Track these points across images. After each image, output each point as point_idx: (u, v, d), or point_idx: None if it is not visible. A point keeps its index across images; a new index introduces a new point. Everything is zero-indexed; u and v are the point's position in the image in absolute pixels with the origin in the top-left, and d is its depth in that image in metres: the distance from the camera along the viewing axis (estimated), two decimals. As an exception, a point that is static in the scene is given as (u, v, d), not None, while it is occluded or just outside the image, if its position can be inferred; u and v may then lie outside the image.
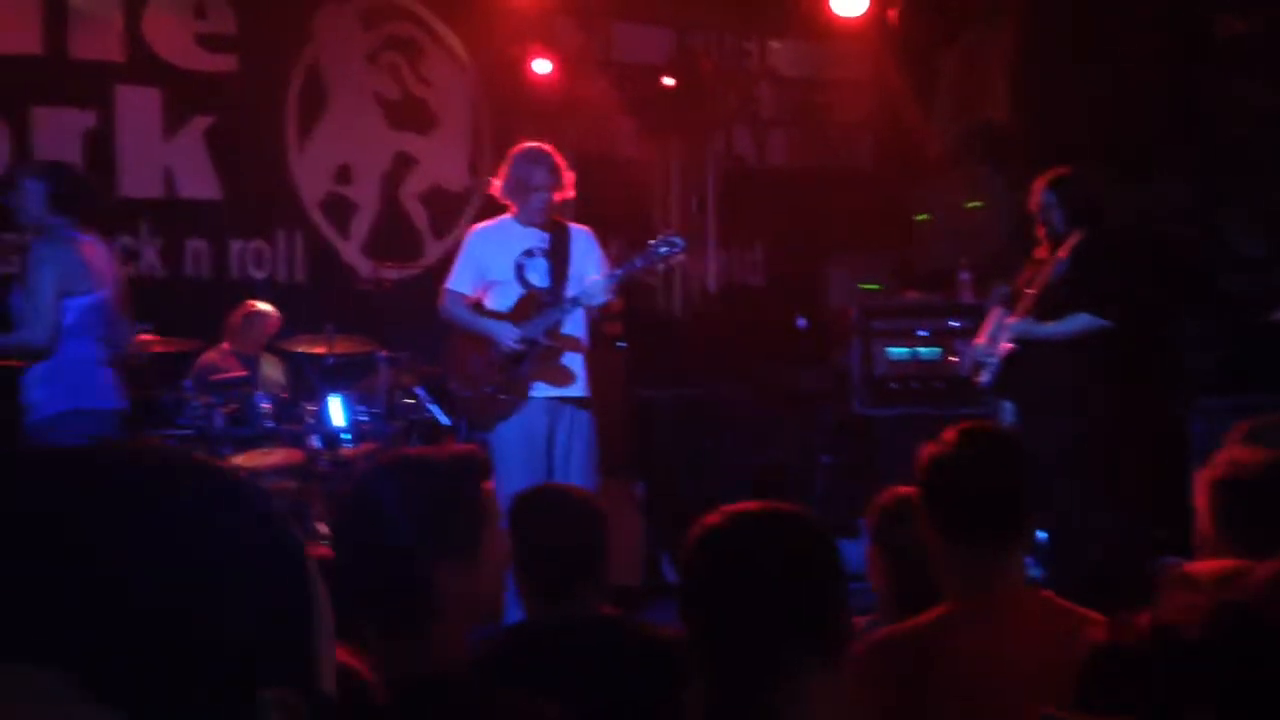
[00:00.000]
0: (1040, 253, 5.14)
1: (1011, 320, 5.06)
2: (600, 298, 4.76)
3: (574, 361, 4.88)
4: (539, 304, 4.84)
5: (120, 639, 0.62)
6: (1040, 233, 5.12)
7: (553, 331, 4.81)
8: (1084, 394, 4.94)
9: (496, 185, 4.91)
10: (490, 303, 4.95)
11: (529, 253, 4.88)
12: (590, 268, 4.86)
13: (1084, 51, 7.01)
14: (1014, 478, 2.30)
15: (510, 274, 4.88)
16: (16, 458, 0.67)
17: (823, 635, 1.68)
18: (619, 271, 4.82)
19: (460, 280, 4.96)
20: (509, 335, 4.79)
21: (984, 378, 5.30)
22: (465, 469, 1.85)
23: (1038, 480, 2.40)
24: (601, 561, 2.63)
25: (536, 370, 4.80)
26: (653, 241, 4.78)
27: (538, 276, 4.88)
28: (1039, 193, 5.07)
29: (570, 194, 4.91)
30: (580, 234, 4.97)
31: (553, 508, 2.66)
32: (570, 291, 4.82)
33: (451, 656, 1.78)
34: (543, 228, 4.89)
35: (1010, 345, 5.07)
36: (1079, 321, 4.91)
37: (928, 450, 2.33)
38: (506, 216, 4.96)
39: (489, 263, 4.92)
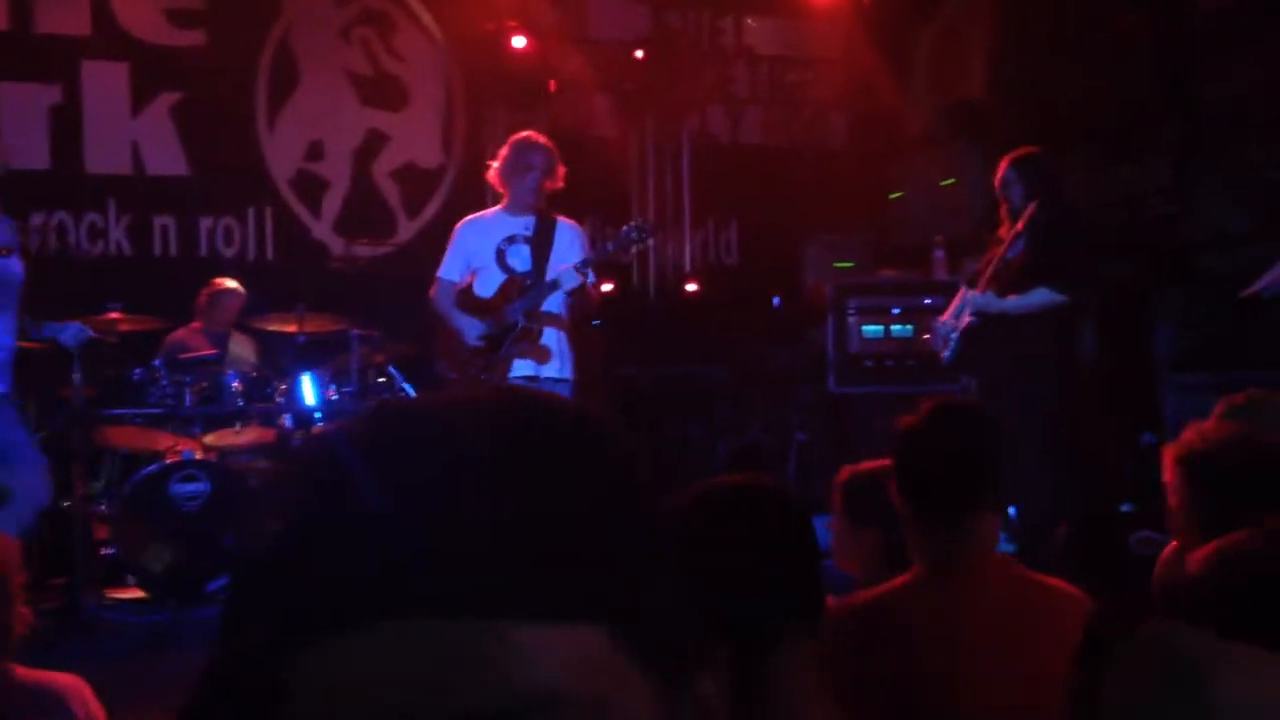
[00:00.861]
0: (1003, 231, 5.16)
1: (972, 293, 5.08)
2: (571, 281, 4.86)
3: (554, 341, 5.02)
4: (520, 287, 5.00)
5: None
6: (1002, 210, 5.15)
7: (531, 313, 4.97)
8: (1044, 368, 4.98)
9: (494, 168, 5.10)
10: (476, 288, 5.11)
11: (511, 238, 5.06)
12: (574, 258, 4.99)
13: (1062, 29, 7.00)
14: (981, 449, 2.35)
15: (491, 259, 5.06)
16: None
17: (798, 605, 1.68)
18: (589, 256, 4.99)
19: (449, 269, 5.17)
20: (471, 333, 5.01)
21: (945, 353, 5.33)
22: None
23: (1003, 453, 2.43)
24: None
25: (516, 350, 4.96)
26: (624, 227, 4.94)
27: (519, 261, 5.05)
28: (1002, 173, 5.11)
29: (560, 184, 5.10)
30: (567, 227, 5.13)
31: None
32: (549, 277, 4.98)
33: None
34: (530, 214, 5.07)
35: (969, 319, 5.10)
36: (1038, 296, 4.94)
37: (901, 423, 2.36)
38: (497, 207, 5.19)
39: (474, 250, 5.12)
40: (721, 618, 1.64)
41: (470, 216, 5.31)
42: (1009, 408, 4.92)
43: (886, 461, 2.57)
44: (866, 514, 2.61)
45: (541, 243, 5.04)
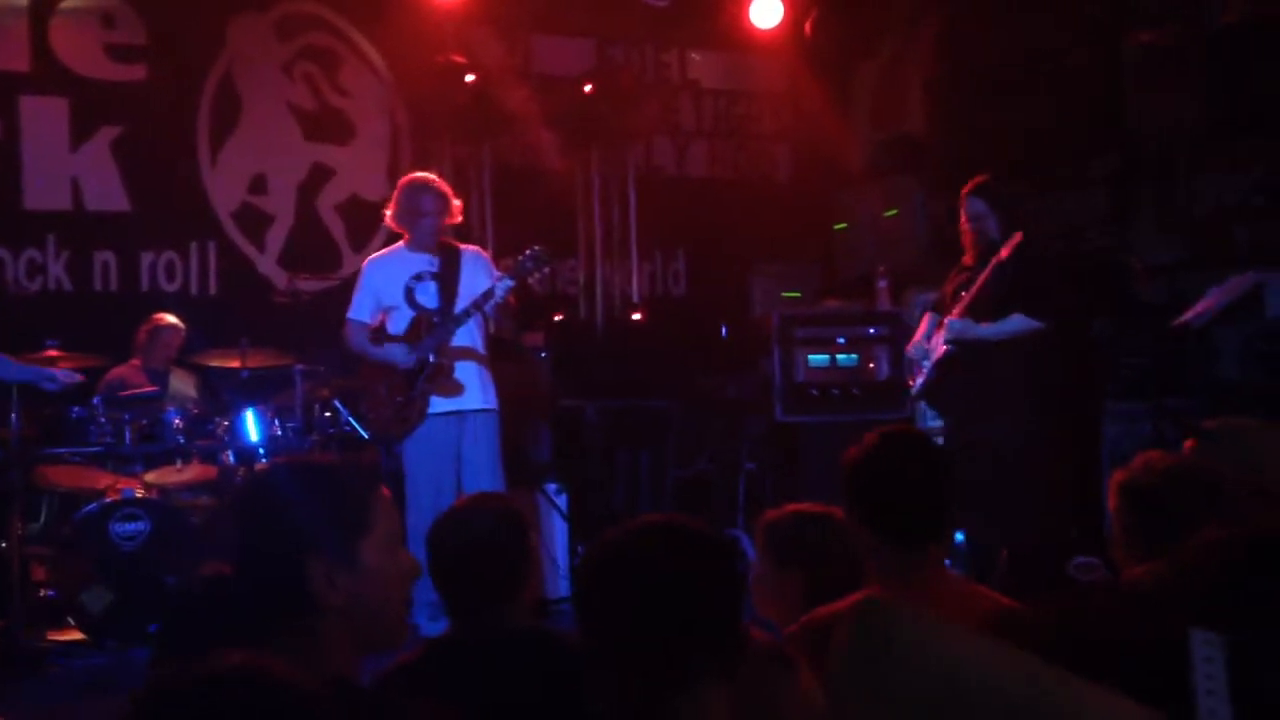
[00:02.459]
0: (967, 259, 5.18)
1: (950, 318, 5.06)
2: (503, 290, 4.86)
3: (470, 374, 5.06)
4: (429, 324, 5.04)
5: None
6: (967, 240, 5.16)
7: (442, 348, 5.00)
8: (1016, 402, 4.97)
9: (388, 215, 5.18)
10: (389, 327, 5.16)
11: (418, 276, 5.11)
12: (481, 285, 5.01)
13: (999, 64, 7.14)
14: (932, 477, 2.45)
15: (401, 298, 5.11)
16: None
17: (718, 646, 1.67)
18: (489, 286, 4.93)
19: (359, 309, 5.21)
20: (403, 355, 5.03)
21: (917, 381, 5.32)
22: (352, 472, 1.83)
23: (956, 480, 2.51)
24: (524, 574, 2.60)
25: (431, 387, 5.00)
26: (520, 255, 4.95)
27: (427, 298, 5.10)
28: (968, 202, 5.11)
29: (457, 219, 5.17)
30: (470, 255, 5.19)
31: (473, 519, 2.62)
32: (459, 309, 5.02)
33: (337, 659, 1.75)
34: (433, 251, 5.12)
35: (945, 349, 5.10)
36: (1014, 322, 4.95)
37: (850, 454, 2.42)
38: (400, 245, 5.22)
39: (382, 289, 5.16)
40: (639, 654, 1.65)
41: (375, 255, 5.39)
42: (978, 438, 4.97)
43: (812, 506, 2.64)
44: (791, 556, 2.64)
45: (448, 277, 5.09)
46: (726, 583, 1.72)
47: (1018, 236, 4.88)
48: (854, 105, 8.31)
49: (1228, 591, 1.58)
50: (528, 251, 4.89)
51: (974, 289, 5.00)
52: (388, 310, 5.16)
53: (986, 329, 4.99)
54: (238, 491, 1.79)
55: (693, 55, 8.61)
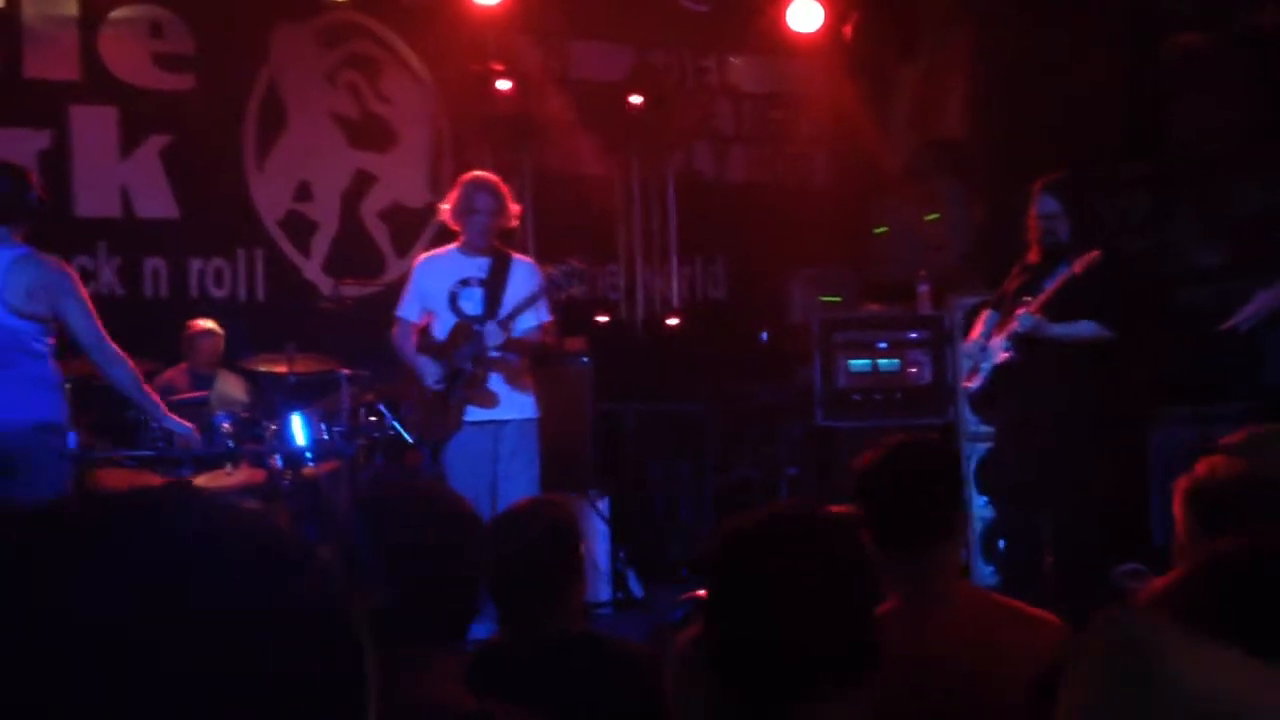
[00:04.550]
0: (1032, 257, 5.09)
1: (1022, 312, 4.95)
2: (496, 337, 4.87)
3: (504, 385, 5.04)
4: (468, 333, 5.01)
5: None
6: (1033, 236, 5.06)
7: (479, 358, 4.96)
8: (1073, 411, 4.91)
9: (446, 210, 5.16)
10: (434, 329, 5.15)
11: (465, 281, 5.08)
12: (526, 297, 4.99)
13: (1040, 66, 7.11)
14: (935, 481, 2.43)
15: (445, 302, 5.09)
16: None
17: (857, 649, 1.61)
18: (515, 307, 4.93)
19: (407, 308, 5.21)
20: (431, 376, 5.02)
21: (974, 383, 5.26)
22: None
23: (955, 488, 2.52)
24: (575, 579, 2.64)
25: (467, 396, 4.99)
26: (551, 271, 4.92)
27: (470, 305, 5.07)
28: (1040, 199, 5.00)
29: (513, 223, 5.17)
30: (522, 265, 5.14)
31: (528, 525, 2.65)
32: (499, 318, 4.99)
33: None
34: (486, 255, 5.08)
35: (1005, 355, 5.05)
36: (1086, 327, 4.89)
37: (857, 464, 2.44)
38: (453, 246, 5.21)
39: (429, 291, 5.15)
40: (773, 659, 1.58)
41: (427, 254, 5.37)
42: (1031, 444, 4.93)
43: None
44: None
45: (495, 284, 5.05)
46: (869, 578, 1.66)
47: (1095, 254, 4.78)
48: (893, 109, 8.30)
49: (1229, 601, 1.57)
50: (560, 266, 4.86)
51: (1048, 293, 4.91)
52: (432, 312, 5.16)
53: (1058, 328, 4.91)
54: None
55: (732, 60, 8.63)
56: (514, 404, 5.05)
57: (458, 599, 1.98)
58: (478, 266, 5.08)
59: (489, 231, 5.05)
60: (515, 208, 5.15)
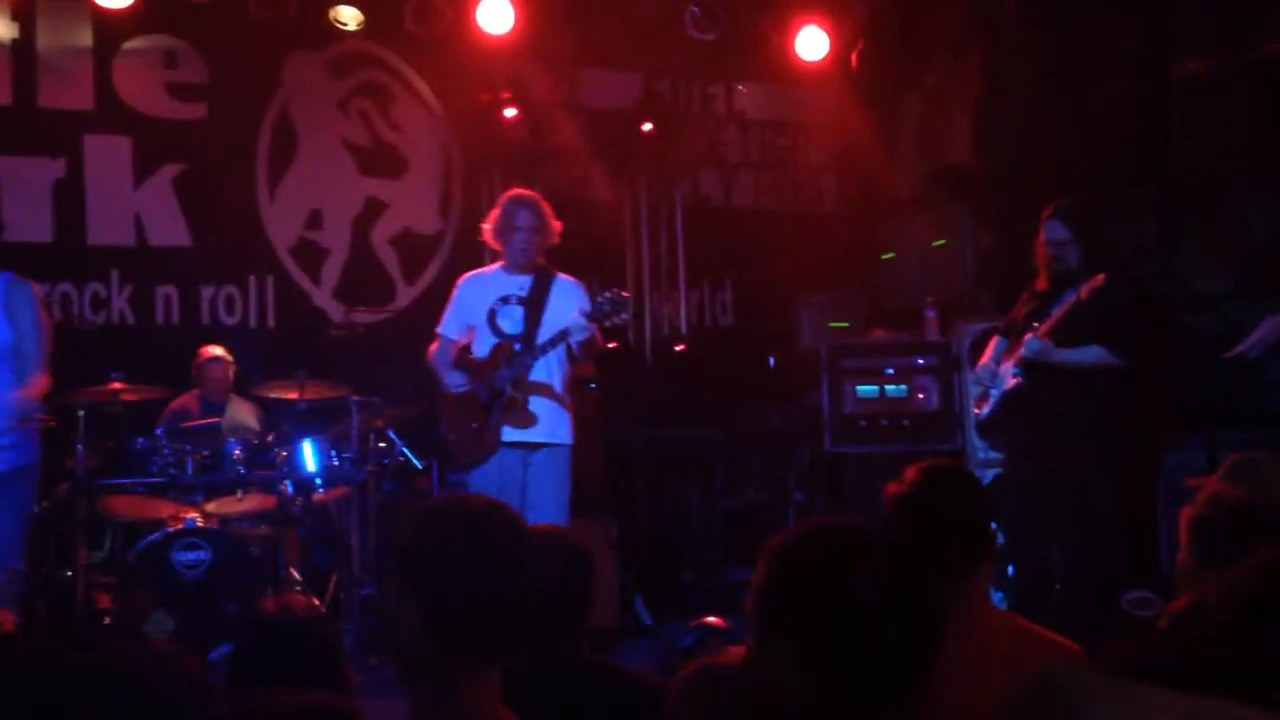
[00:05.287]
0: (1041, 284, 5.08)
1: (1030, 337, 4.94)
2: (581, 333, 4.71)
3: (544, 408, 4.94)
4: (509, 354, 4.94)
5: None
6: (1042, 262, 5.05)
7: (519, 381, 4.89)
8: (1083, 439, 4.89)
9: (487, 229, 5.09)
10: (474, 348, 5.07)
11: (505, 299, 5.01)
12: (568, 318, 4.86)
13: (1046, 92, 7.15)
14: (978, 511, 2.49)
15: (484, 320, 5.01)
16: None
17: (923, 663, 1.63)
18: (590, 309, 4.79)
19: (449, 325, 5.13)
20: (456, 383, 4.99)
21: (984, 409, 5.25)
22: None
23: (992, 514, 2.55)
24: (587, 606, 2.64)
25: (504, 418, 4.91)
26: (599, 299, 4.75)
27: (510, 324, 4.99)
28: (1049, 226, 4.99)
29: (554, 240, 5.06)
30: (565, 284, 5.06)
31: (545, 556, 2.65)
32: (540, 342, 4.90)
33: None
34: (528, 273, 5.02)
35: (1015, 381, 5.05)
36: (1094, 353, 4.88)
37: (893, 490, 2.45)
38: (497, 264, 5.13)
39: (470, 308, 5.07)
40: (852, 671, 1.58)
41: (472, 273, 5.30)
42: (1041, 472, 4.91)
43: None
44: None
45: (535, 303, 4.98)
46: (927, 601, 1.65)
47: (1100, 279, 4.76)
48: (900, 136, 8.35)
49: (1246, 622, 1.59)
50: (607, 294, 4.71)
51: (1055, 318, 4.91)
52: (473, 329, 5.06)
53: (1066, 354, 4.90)
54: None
55: (739, 87, 8.69)
56: (550, 427, 4.94)
57: (486, 623, 1.94)
58: (519, 285, 5.01)
59: (529, 249, 4.97)
60: (557, 225, 5.05)
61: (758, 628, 1.66)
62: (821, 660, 1.57)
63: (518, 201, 5.02)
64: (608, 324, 4.80)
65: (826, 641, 1.57)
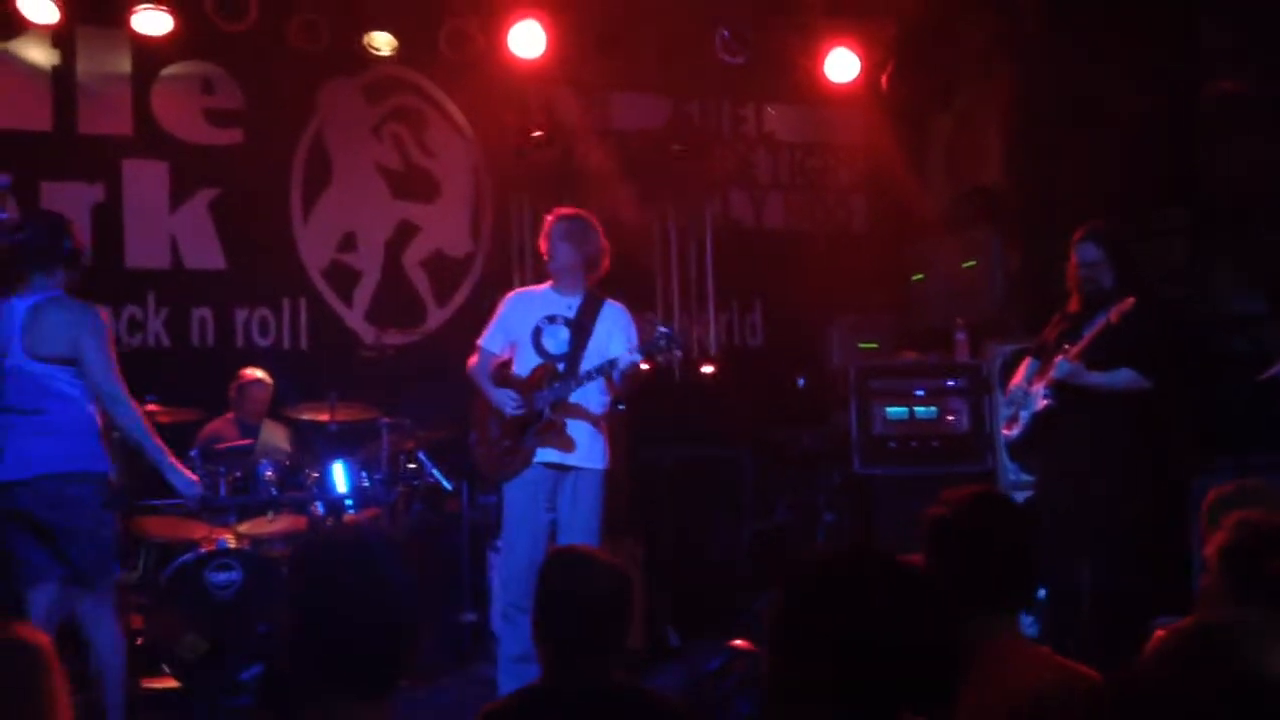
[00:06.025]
0: (1073, 306, 5.07)
1: (1061, 358, 4.93)
2: (627, 365, 4.67)
3: (581, 432, 4.91)
4: (551, 374, 4.92)
5: None
6: (1073, 285, 5.04)
7: (558, 404, 4.85)
8: (1114, 461, 4.87)
9: (544, 245, 5.05)
10: (515, 365, 5.05)
11: (552, 318, 4.99)
12: (616, 344, 4.88)
13: (1076, 113, 7.12)
14: (1028, 541, 2.44)
15: (528, 337, 4.99)
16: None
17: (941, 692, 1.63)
18: (614, 357, 4.76)
19: (491, 340, 5.09)
20: (509, 404, 4.89)
21: (1014, 431, 5.23)
22: None
23: (1044, 541, 2.52)
24: (624, 628, 2.65)
25: (540, 440, 4.88)
26: (655, 334, 4.70)
27: (554, 344, 4.96)
28: (1080, 248, 4.99)
29: (604, 262, 5.01)
30: (613, 310, 5.03)
31: (590, 576, 2.65)
32: (584, 366, 4.87)
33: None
34: (577, 295, 5.00)
35: (1045, 403, 5.03)
36: (1124, 376, 4.86)
37: (938, 512, 2.42)
38: (547, 284, 5.12)
39: (514, 324, 5.05)
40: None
41: (521, 289, 5.30)
42: (1072, 495, 4.89)
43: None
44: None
45: (582, 327, 4.93)
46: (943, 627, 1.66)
47: (1129, 302, 4.75)
48: (930, 157, 8.34)
49: None
50: (662, 330, 4.66)
51: (1086, 341, 4.89)
52: (516, 346, 5.02)
53: (1096, 377, 4.89)
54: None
55: (769, 109, 8.71)
56: (586, 452, 4.89)
57: (375, 652, 1.90)
58: (567, 306, 4.98)
59: (572, 270, 4.95)
60: (605, 246, 5.00)
61: (775, 654, 1.67)
62: (839, 686, 1.57)
63: (560, 220, 5.00)
64: (659, 360, 4.77)
65: (843, 667, 1.57)
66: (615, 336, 4.92)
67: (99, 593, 4.37)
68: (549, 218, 5.06)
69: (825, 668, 1.59)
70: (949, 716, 1.62)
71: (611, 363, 4.72)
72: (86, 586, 4.31)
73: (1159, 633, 2.71)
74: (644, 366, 4.84)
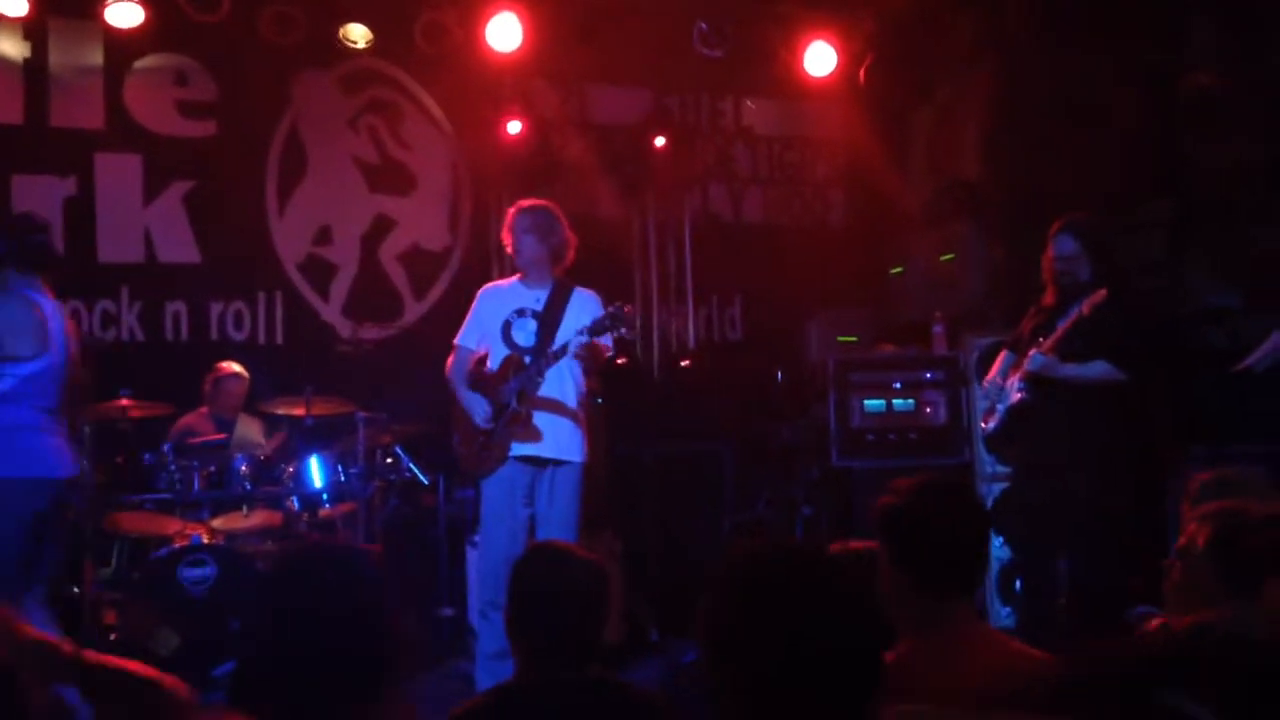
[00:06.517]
0: (1048, 299, 5.08)
1: (1035, 352, 4.94)
2: (576, 348, 4.65)
3: (553, 423, 4.88)
4: (517, 365, 4.90)
5: None
6: (1049, 277, 5.03)
7: (524, 395, 4.83)
8: (1089, 453, 4.87)
9: (506, 239, 5.04)
10: (489, 360, 5.05)
11: (520, 311, 4.99)
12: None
13: (1058, 107, 7.13)
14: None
15: (498, 332, 4.99)
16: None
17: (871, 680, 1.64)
18: (564, 352, 4.73)
19: (467, 336, 5.09)
20: (480, 414, 4.90)
21: (991, 423, 5.22)
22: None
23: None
24: (600, 623, 2.63)
25: (509, 432, 4.87)
26: (600, 315, 4.67)
27: (523, 336, 4.96)
28: (1057, 240, 4.98)
29: (569, 252, 5.00)
30: (584, 297, 5.01)
31: (563, 571, 2.63)
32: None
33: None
34: (545, 286, 4.99)
35: (1020, 396, 5.04)
36: (1098, 368, 4.86)
37: (887, 500, 2.43)
38: (516, 277, 5.11)
39: (486, 319, 5.05)
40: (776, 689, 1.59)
41: (491, 284, 5.29)
42: (1048, 487, 4.89)
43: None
44: None
45: (550, 318, 4.93)
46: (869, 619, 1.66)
47: (1101, 294, 4.77)
48: (910, 151, 8.34)
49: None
50: (609, 308, 4.63)
51: (1059, 333, 4.90)
52: (489, 341, 5.03)
53: (1070, 369, 4.89)
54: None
55: (748, 103, 8.70)
56: (560, 444, 4.88)
57: (358, 660, 1.85)
58: (535, 298, 4.98)
59: (538, 262, 4.94)
60: (570, 237, 4.99)
61: (703, 651, 1.68)
62: (766, 684, 1.58)
63: (522, 211, 5.00)
64: (611, 336, 4.71)
65: (770, 665, 1.58)
66: (585, 320, 4.84)
67: None
68: (511, 210, 5.04)
69: (747, 664, 1.60)
70: (873, 711, 1.62)
71: (564, 347, 4.71)
72: None
73: (1152, 624, 2.72)
74: (606, 349, 4.81)
